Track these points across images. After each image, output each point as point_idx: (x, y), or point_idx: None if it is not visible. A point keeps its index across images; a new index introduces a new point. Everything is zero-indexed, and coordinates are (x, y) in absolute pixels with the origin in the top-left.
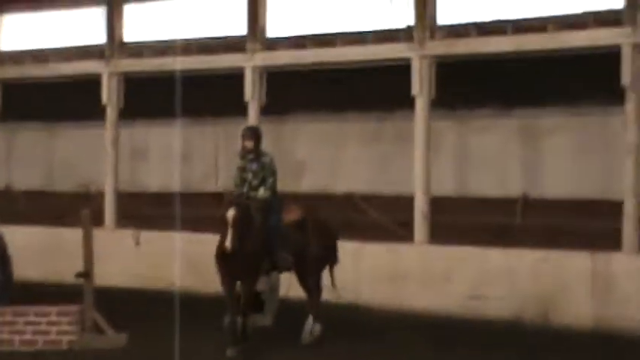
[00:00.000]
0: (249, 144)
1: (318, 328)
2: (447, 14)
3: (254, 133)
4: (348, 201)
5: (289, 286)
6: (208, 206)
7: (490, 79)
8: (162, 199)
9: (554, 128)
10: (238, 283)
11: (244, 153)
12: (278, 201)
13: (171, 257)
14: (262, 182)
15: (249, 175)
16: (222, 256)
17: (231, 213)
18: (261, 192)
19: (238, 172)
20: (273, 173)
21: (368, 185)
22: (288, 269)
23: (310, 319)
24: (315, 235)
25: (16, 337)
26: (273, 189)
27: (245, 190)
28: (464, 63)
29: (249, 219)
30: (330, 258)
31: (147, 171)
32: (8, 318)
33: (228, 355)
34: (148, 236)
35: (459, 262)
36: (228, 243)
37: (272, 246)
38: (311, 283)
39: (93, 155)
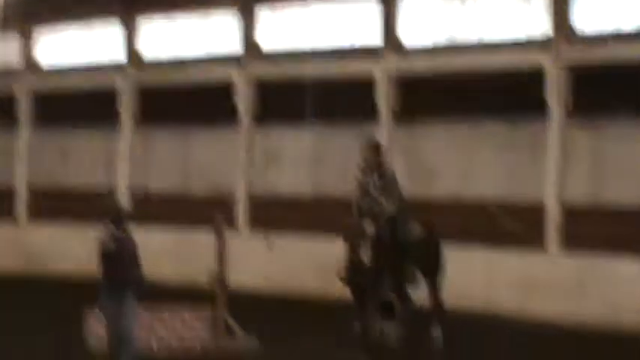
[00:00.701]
0: (372, 158)
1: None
2: (584, 21)
3: (376, 147)
4: (480, 208)
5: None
6: (341, 211)
7: (628, 86)
8: (295, 203)
9: None
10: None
11: (367, 168)
12: (404, 214)
13: (304, 262)
14: (387, 196)
15: (373, 190)
16: (351, 267)
17: (370, 229)
18: (388, 206)
19: (360, 187)
20: (397, 187)
21: (500, 192)
22: (415, 284)
23: (437, 326)
24: (437, 251)
25: (152, 337)
26: (398, 203)
27: (369, 202)
28: (601, 70)
29: (382, 234)
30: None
31: (280, 175)
32: (145, 319)
33: None
34: (281, 241)
35: (593, 273)
36: (366, 259)
37: (400, 260)
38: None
39: (227, 160)
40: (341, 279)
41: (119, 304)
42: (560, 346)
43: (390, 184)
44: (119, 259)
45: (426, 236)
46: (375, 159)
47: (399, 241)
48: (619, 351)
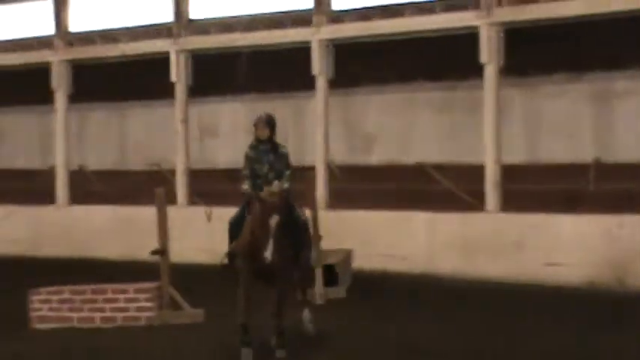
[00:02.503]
0: (264, 133)
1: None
2: None
3: (269, 121)
4: (420, 171)
5: None
6: None
7: (560, 43)
8: (233, 175)
9: (625, 91)
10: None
11: (258, 143)
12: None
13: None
14: (278, 175)
15: (265, 168)
16: (249, 255)
17: (274, 220)
18: (284, 185)
19: (248, 164)
20: (290, 166)
21: (439, 155)
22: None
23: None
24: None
25: (97, 315)
26: (291, 182)
27: (258, 182)
28: (533, 29)
29: (288, 222)
30: None
31: (217, 148)
32: (88, 296)
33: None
34: (220, 212)
35: (532, 230)
36: (268, 254)
37: (300, 246)
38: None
39: (163, 134)
40: (225, 266)
41: None
42: (500, 302)
43: (283, 163)
44: None
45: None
46: (268, 135)
47: (297, 224)
48: (558, 306)
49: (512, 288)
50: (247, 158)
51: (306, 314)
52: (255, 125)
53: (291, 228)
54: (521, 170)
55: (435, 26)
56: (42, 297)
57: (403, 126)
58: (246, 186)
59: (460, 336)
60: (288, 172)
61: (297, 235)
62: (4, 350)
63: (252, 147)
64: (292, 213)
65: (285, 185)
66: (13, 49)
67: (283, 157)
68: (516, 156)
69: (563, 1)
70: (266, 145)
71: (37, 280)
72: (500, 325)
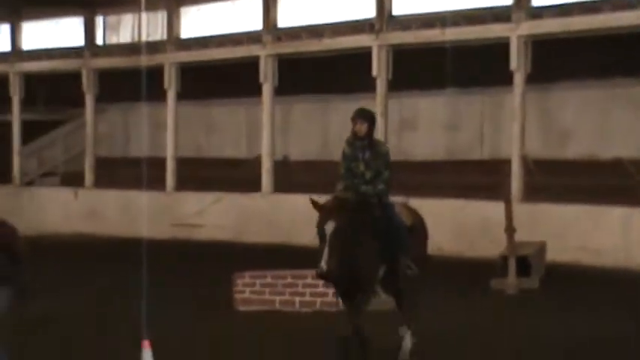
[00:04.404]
0: (362, 129)
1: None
2: None
3: (367, 117)
4: (616, 167)
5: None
6: (474, 174)
7: None
8: (429, 167)
9: None
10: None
11: (354, 139)
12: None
13: (438, 223)
14: (377, 175)
15: (362, 166)
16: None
17: (329, 226)
18: (379, 186)
19: (345, 162)
20: (389, 166)
21: (637, 150)
22: (410, 279)
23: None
24: (424, 243)
25: (297, 299)
26: (389, 184)
27: (355, 182)
28: None
29: (358, 225)
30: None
31: (414, 140)
32: (289, 280)
33: None
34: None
35: None
36: (323, 264)
37: (394, 252)
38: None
39: None
40: (323, 276)
41: None
42: None
43: (381, 162)
44: None
45: (414, 224)
46: (366, 131)
47: (395, 228)
48: None
49: None
50: (343, 156)
51: (404, 334)
52: (353, 120)
53: (379, 232)
54: None
55: (633, 22)
56: (246, 280)
57: (600, 121)
58: (340, 186)
59: None
60: (386, 173)
61: (390, 240)
62: (210, 330)
63: (349, 143)
64: (385, 215)
65: (380, 187)
66: (224, 44)
67: (381, 156)
68: None
69: None
70: (363, 142)
71: (241, 264)
72: None
